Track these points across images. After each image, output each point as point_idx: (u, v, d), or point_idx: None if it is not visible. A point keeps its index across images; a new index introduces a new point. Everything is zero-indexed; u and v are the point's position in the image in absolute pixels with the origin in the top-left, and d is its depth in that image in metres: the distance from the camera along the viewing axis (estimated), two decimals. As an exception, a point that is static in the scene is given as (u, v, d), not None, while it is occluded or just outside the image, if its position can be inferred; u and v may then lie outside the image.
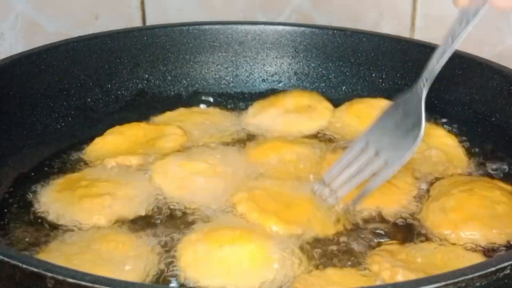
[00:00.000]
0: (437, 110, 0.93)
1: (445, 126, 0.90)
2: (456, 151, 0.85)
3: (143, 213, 0.73)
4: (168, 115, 0.94)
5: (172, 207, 0.74)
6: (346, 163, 0.71)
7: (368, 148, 0.71)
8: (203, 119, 0.93)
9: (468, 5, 0.69)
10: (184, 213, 0.73)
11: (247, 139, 0.89)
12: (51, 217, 0.71)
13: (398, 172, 0.70)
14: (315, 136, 0.90)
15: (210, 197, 0.75)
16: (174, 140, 0.87)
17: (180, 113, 0.94)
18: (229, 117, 0.95)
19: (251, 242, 0.64)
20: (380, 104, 0.88)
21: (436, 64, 0.71)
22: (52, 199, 0.74)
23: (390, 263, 0.62)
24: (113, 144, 0.86)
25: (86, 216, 0.71)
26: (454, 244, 0.68)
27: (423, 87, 0.71)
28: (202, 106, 0.97)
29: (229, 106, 0.98)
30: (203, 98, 0.99)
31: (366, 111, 0.90)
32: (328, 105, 0.95)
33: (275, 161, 0.81)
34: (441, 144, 0.85)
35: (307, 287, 0.61)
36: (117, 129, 0.89)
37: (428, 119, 0.87)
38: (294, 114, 0.93)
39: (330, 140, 0.88)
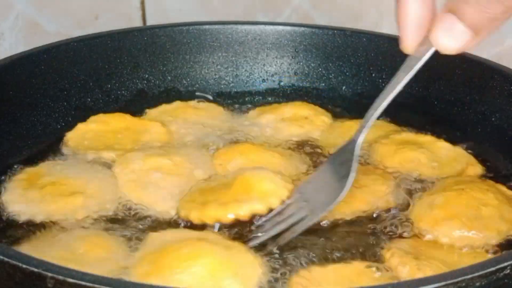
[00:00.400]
0: (437, 110, 0.93)
1: (445, 126, 0.90)
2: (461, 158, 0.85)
3: (110, 212, 0.72)
4: (163, 108, 0.94)
5: (125, 204, 0.73)
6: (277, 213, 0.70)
7: (301, 199, 0.70)
8: (197, 117, 0.92)
9: (415, 51, 0.68)
10: (135, 214, 0.72)
11: (230, 141, 0.88)
12: (23, 218, 0.70)
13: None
14: (301, 146, 0.88)
15: (161, 196, 0.74)
16: (157, 138, 0.86)
17: (175, 107, 0.94)
18: (223, 117, 0.94)
19: (205, 257, 0.61)
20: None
21: (374, 111, 0.69)
22: (20, 198, 0.72)
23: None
24: (95, 133, 0.85)
25: (60, 216, 0.69)
26: (429, 240, 0.68)
27: (359, 134, 0.70)
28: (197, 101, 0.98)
29: (229, 106, 0.98)
30: (203, 98, 1.00)
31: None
32: (326, 119, 0.93)
33: (236, 164, 0.80)
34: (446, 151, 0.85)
35: (307, 283, 0.61)
36: (101, 117, 0.88)
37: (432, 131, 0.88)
38: (287, 123, 0.92)
39: (314, 154, 0.86)
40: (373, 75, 0.98)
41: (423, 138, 0.87)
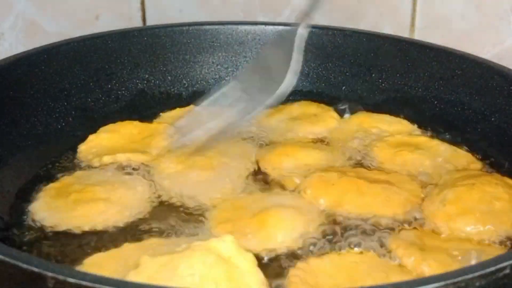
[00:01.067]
0: (437, 110, 0.93)
1: (445, 126, 0.90)
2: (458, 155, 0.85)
3: (140, 216, 0.72)
4: (177, 112, 0.94)
5: (172, 203, 0.74)
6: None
7: (241, 92, 0.69)
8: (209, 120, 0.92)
9: None
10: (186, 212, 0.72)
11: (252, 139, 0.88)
12: (48, 225, 0.70)
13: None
14: (322, 142, 0.89)
15: (208, 190, 0.75)
16: (168, 138, 0.86)
17: (188, 111, 0.94)
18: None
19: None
20: (383, 119, 0.92)
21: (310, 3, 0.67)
22: (47, 207, 0.73)
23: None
24: (108, 141, 0.86)
25: (81, 223, 0.70)
26: (445, 235, 0.69)
27: (303, 32, 0.67)
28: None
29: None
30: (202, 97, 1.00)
31: (369, 123, 0.92)
32: (334, 114, 0.94)
33: (289, 166, 0.81)
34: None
35: (305, 275, 0.61)
36: (111, 126, 0.89)
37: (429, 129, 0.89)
38: (299, 121, 0.92)
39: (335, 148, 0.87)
40: (373, 75, 0.98)
41: (417, 139, 0.87)
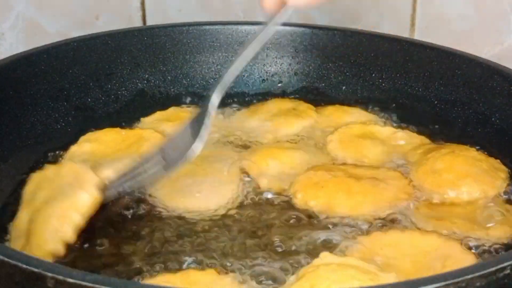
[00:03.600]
0: (437, 110, 0.93)
1: (445, 126, 0.90)
2: None
3: None
4: (158, 115, 0.93)
5: None
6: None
7: (159, 155, 0.72)
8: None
9: (273, 10, 0.71)
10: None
11: (239, 143, 0.88)
12: None
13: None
14: (308, 139, 0.89)
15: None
16: (155, 144, 0.83)
17: (170, 113, 0.93)
18: (214, 120, 0.93)
19: None
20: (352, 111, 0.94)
21: (229, 76, 0.73)
22: None
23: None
24: (92, 152, 0.83)
25: None
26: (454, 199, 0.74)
27: (213, 94, 0.72)
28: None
29: (228, 106, 0.98)
30: (202, 98, 1.00)
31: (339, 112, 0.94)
32: (310, 105, 0.95)
33: (274, 169, 0.81)
34: None
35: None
36: (92, 135, 0.86)
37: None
38: (281, 117, 0.92)
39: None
40: (373, 75, 0.98)
41: (371, 128, 0.90)
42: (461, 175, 0.76)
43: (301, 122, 0.91)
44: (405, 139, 0.87)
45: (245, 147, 0.87)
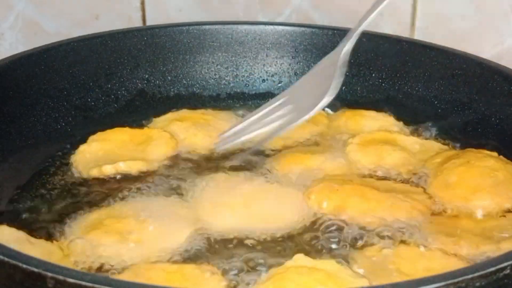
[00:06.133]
0: (437, 110, 0.93)
1: (445, 126, 0.90)
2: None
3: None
4: (170, 115, 0.92)
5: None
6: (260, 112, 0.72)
7: (286, 102, 0.72)
8: (205, 121, 0.91)
9: None
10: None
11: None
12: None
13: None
14: (322, 139, 0.89)
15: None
16: (164, 144, 0.85)
17: (182, 114, 0.93)
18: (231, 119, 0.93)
19: None
20: (370, 115, 0.93)
21: (360, 23, 0.71)
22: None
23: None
24: (102, 151, 0.83)
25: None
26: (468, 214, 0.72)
27: (344, 44, 0.71)
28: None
29: (228, 106, 0.98)
30: (202, 98, 1.00)
31: (355, 119, 0.92)
32: (322, 111, 0.93)
33: (299, 174, 0.79)
34: None
35: None
36: (101, 135, 0.86)
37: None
38: None
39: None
40: (373, 75, 0.98)
41: (389, 135, 0.88)
42: (474, 189, 0.73)
43: (312, 128, 0.90)
44: (423, 146, 0.86)
45: (263, 154, 0.85)
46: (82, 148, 0.83)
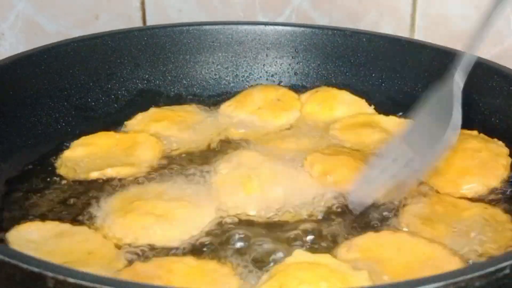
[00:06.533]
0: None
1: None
2: None
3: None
4: (141, 116, 0.91)
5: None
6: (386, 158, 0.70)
7: (406, 147, 0.70)
8: (179, 117, 0.91)
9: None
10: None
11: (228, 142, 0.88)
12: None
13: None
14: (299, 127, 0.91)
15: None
16: (151, 147, 0.84)
17: (152, 114, 0.92)
18: (202, 116, 0.94)
19: None
20: (343, 96, 0.95)
21: (471, 56, 0.69)
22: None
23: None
24: (87, 156, 0.82)
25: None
26: (459, 198, 0.74)
27: (459, 80, 0.69)
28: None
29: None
30: (202, 98, 1.00)
31: (329, 101, 0.95)
32: (294, 95, 0.96)
33: None
34: None
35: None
36: (85, 140, 0.85)
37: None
38: (267, 110, 0.93)
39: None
40: (373, 75, 0.98)
41: (371, 117, 0.91)
42: (461, 172, 0.76)
43: (287, 114, 0.93)
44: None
45: (247, 142, 0.87)
46: (66, 153, 0.82)
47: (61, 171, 0.80)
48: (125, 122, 0.91)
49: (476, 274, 0.48)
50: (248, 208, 0.72)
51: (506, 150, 0.80)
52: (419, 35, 1.08)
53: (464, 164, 0.77)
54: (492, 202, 0.74)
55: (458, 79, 0.67)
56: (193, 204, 0.72)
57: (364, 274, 0.59)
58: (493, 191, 0.75)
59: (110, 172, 0.78)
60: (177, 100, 0.98)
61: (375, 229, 0.69)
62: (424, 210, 0.71)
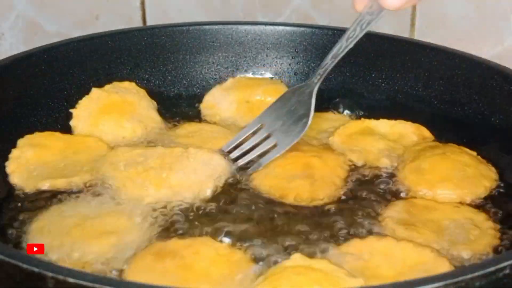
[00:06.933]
0: (437, 110, 0.93)
1: (445, 126, 0.90)
2: None
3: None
4: (88, 103, 0.88)
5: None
6: (242, 139, 0.83)
7: (263, 128, 0.82)
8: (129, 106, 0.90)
9: (364, 10, 0.77)
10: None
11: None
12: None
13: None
14: None
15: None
16: (96, 152, 0.81)
17: (103, 102, 0.89)
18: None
19: None
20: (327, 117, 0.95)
21: (330, 61, 0.81)
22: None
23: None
24: (37, 159, 0.78)
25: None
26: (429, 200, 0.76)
27: (317, 81, 0.82)
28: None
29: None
30: (202, 98, 1.00)
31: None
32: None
33: None
34: None
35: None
36: (33, 139, 0.81)
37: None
38: (249, 105, 0.94)
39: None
40: (373, 75, 0.98)
41: (364, 124, 0.91)
42: (441, 178, 0.77)
43: None
44: (404, 131, 0.89)
45: None
46: (15, 153, 0.79)
47: (13, 176, 0.76)
48: (71, 110, 0.87)
49: (476, 274, 0.48)
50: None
51: (495, 176, 0.80)
52: (419, 35, 1.08)
53: (448, 172, 0.78)
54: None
55: (316, 88, 0.81)
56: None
57: (360, 282, 0.59)
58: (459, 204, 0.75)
59: (60, 183, 0.75)
60: (177, 100, 0.98)
61: (360, 236, 0.69)
62: (404, 215, 0.72)
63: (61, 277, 0.47)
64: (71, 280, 0.47)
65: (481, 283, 0.48)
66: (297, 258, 0.62)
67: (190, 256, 0.62)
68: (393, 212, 0.72)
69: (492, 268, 0.49)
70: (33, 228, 0.68)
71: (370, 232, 0.69)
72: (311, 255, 0.64)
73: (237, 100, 0.95)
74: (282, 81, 0.99)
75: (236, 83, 0.97)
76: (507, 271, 0.50)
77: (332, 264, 0.62)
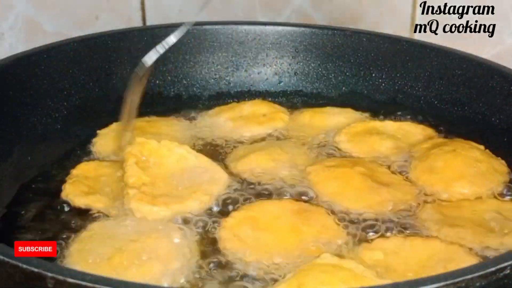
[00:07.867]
0: (437, 110, 0.93)
1: (445, 126, 0.90)
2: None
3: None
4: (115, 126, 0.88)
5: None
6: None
7: None
8: (156, 130, 0.89)
9: None
10: None
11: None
12: None
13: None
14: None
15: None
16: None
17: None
18: (180, 126, 0.93)
19: None
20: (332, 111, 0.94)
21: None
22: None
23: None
24: (91, 179, 0.77)
25: None
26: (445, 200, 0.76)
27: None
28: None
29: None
30: (202, 98, 1.00)
31: (316, 117, 0.94)
32: (284, 116, 0.94)
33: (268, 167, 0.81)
34: None
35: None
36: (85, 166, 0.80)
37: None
38: (245, 121, 0.92)
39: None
40: (373, 75, 0.98)
41: (370, 124, 0.90)
42: (456, 176, 0.77)
43: (269, 125, 0.92)
44: (410, 130, 0.89)
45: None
46: (75, 173, 0.78)
47: (66, 193, 0.75)
48: (98, 131, 0.87)
49: (476, 274, 0.48)
50: None
51: (506, 169, 0.80)
52: (419, 35, 1.08)
53: (461, 169, 0.78)
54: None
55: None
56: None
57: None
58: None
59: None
60: (177, 100, 0.98)
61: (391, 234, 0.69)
62: (436, 215, 0.72)
63: (61, 277, 0.47)
64: (71, 280, 0.47)
65: (482, 283, 0.48)
66: (327, 257, 0.62)
67: None
68: (427, 215, 0.72)
69: (493, 268, 0.49)
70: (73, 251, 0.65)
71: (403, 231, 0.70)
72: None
73: (231, 118, 0.93)
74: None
75: (219, 110, 0.96)
76: (507, 271, 0.50)
77: (361, 265, 0.61)
